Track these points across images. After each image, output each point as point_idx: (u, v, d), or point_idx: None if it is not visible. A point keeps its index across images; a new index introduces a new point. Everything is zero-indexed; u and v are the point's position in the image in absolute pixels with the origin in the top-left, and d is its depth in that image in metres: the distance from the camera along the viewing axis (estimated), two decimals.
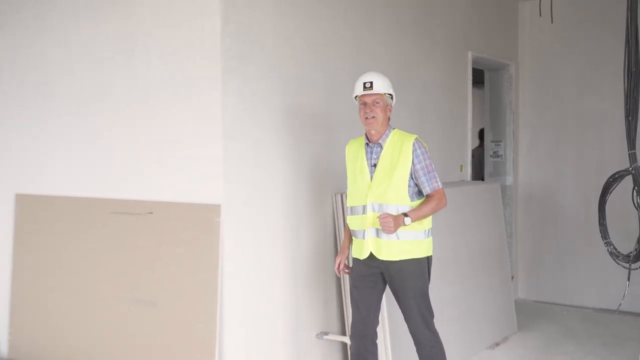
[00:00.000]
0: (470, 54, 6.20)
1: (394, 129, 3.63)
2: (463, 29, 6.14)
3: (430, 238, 3.63)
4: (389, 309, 4.28)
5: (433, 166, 3.55)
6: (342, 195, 4.49)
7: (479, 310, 5.33)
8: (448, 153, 5.96)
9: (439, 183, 3.55)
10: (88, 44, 4.39)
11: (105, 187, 4.34)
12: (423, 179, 3.50)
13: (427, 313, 3.61)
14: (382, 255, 3.52)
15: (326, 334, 4.36)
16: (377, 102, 3.53)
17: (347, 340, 4.38)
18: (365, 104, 3.55)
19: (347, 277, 4.22)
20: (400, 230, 3.45)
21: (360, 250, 3.61)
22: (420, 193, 3.58)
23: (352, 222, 3.67)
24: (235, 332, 3.85)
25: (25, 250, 4.80)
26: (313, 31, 4.37)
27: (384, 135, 3.58)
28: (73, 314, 4.46)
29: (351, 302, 3.77)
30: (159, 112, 4.05)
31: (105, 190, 4.35)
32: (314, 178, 4.38)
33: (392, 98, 3.63)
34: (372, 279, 3.64)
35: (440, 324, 4.74)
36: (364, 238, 3.57)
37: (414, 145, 3.51)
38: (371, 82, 3.53)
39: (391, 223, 3.35)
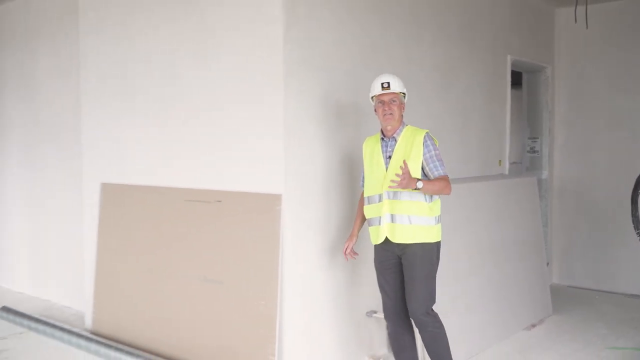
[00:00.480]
0: (509, 58, 6.12)
1: (407, 125, 3.68)
2: (503, 35, 6.06)
3: (440, 225, 3.64)
4: (440, 291, 4.28)
5: (441, 157, 3.58)
6: None
7: (517, 293, 5.28)
8: (488, 149, 5.90)
9: (446, 171, 3.56)
10: (165, 49, 4.52)
11: (180, 178, 4.47)
12: (431, 165, 3.53)
13: (428, 297, 3.60)
14: (396, 239, 3.55)
15: (375, 312, 4.39)
16: (393, 101, 3.60)
17: None
18: (382, 102, 3.61)
19: None
20: (413, 215, 3.51)
21: (377, 236, 3.65)
22: None
23: (369, 211, 3.70)
24: (293, 309, 3.92)
25: (108, 233, 4.97)
26: (364, 37, 4.40)
27: (398, 130, 3.63)
28: (150, 291, 4.61)
29: (379, 288, 3.82)
30: (228, 112, 4.14)
31: (179, 181, 4.47)
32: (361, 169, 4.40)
33: (404, 97, 3.68)
34: (390, 263, 3.67)
35: (480, 306, 4.75)
36: (379, 224, 3.60)
37: (424, 138, 3.55)
38: (388, 83, 3.59)
39: (407, 176, 3.34)
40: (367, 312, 4.38)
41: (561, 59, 6.93)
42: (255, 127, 3.99)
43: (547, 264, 6.28)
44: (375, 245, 3.72)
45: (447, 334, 3.66)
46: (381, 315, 4.39)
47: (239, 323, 4.03)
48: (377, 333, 4.50)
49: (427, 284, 3.59)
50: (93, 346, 4.52)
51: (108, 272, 4.96)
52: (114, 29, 4.90)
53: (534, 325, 5.34)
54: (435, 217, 3.59)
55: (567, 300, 6.18)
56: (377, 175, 3.63)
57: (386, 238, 3.59)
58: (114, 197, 4.97)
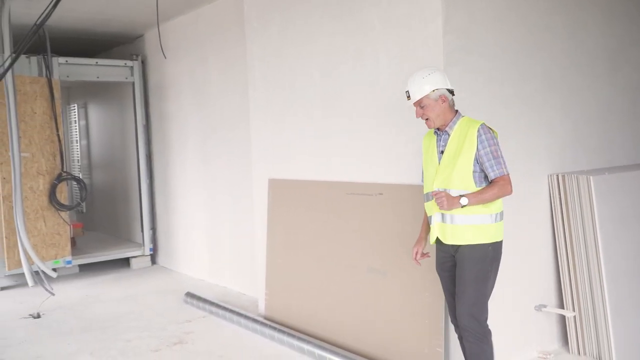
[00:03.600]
0: None
1: (463, 116, 3.18)
2: None
3: (499, 223, 3.11)
4: (609, 288, 3.87)
5: (500, 152, 3.05)
6: (558, 176, 4.13)
7: None
8: None
9: (505, 169, 3.04)
10: (325, 50, 4.50)
11: (342, 172, 4.43)
12: (487, 164, 3.04)
13: (476, 302, 3.10)
14: (447, 240, 3.13)
15: (545, 306, 4.05)
16: (422, 106, 3.15)
17: (565, 313, 4.04)
18: (416, 108, 3.20)
19: (566, 251, 3.88)
20: (465, 214, 3.04)
21: (431, 236, 3.25)
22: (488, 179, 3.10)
23: (427, 208, 3.29)
24: None
25: (276, 224, 5.08)
26: (527, 23, 4.07)
27: (451, 123, 3.16)
28: (316, 279, 4.64)
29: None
30: (387, 107, 4.02)
31: (341, 175, 4.44)
32: (529, 160, 4.07)
33: (438, 91, 3.12)
34: (447, 266, 3.24)
35: None
36: (432, 223, 3.21)
37: (478, 130, 3.05)
38: (407, 92, 3.18)
39: (443, 199, 2.99)
40: (535, 306, 4.05)
41: None
42: (415, 119, 3.82)
43: None
44: (435, 245, 3.30)
45: (493, 353, 3.15)
46: (551, 309, 4.07)
47: (403, 313, 3.91)
48: (548, 327, 4.15)
49: (476, 287, 3.10)
50: (267, 331, 4.64)
51: (277, 261, 5.07)
52: (276, 35, 4.98)
53: None
54: (494, 215, 3.09)
55: None
56: (430, 171, 3.23)
57: (439, 238, 3.18)
58: (281, 191, 5.06)
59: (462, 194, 3.03)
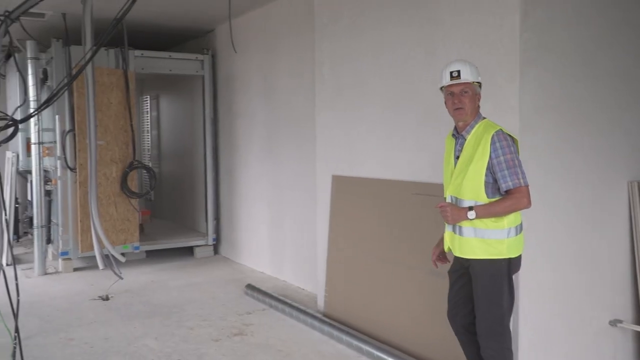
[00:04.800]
0: None
1: (484, 118, 2.99)
2: None
3: (515, 238, 2.87)
4: None
5: (516, 161, 2.81)
6: (639, 183, 3.83)
7: None
8: None
9: (522, 180, 2.79)
10: (394, 46, 4.36)
11: (409, 171, 4.28)
12: (499, 174, 2.80)
13: (493, 321, 2.89)
14: (456, 251, 2.98)
15: (620, 321, 3.76)
16: (465, 92, 2.93)
17: None
18: (452, 94, 2.96)
19: None
20: (475, 227, 2.86)
21: (444, 244, 3.13)
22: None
23: None
24: (527, 310, 3.49)
25: (338, 221, 4.98)
26: (605, 18, 3.79)
27: (468, 127, 2.96)
28: (376, 278, 4.52)
29: None
30: None
31: (408, 174, 4.28)
32: (606, 165, 3.79)
33: (480, 86, 3.00)
34: (457, 274, 3.09)
35: None
36: (444, 231, 3.09)
37: (493, 137, 2.83)
38: (458, 71, 2.93)
39: (447, 213, 2.89)
40: (610, 321, 3.78)
41: None
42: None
43: None
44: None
45: None
46: (627, 325, 3.79)
47: None
48: (622, 345, 3.86)
49: (491, 307, 2.89)
50: (326, 328, 4.55)
51: (338, 259, 4.97)
52: (346, 31, 4.87)
53: None
54: (506, 230, 2.85)
55: None
56: (446, 176, 3.09)
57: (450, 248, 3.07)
58: (344, 188, 4.95)
59: (472, 205, 2.85)
